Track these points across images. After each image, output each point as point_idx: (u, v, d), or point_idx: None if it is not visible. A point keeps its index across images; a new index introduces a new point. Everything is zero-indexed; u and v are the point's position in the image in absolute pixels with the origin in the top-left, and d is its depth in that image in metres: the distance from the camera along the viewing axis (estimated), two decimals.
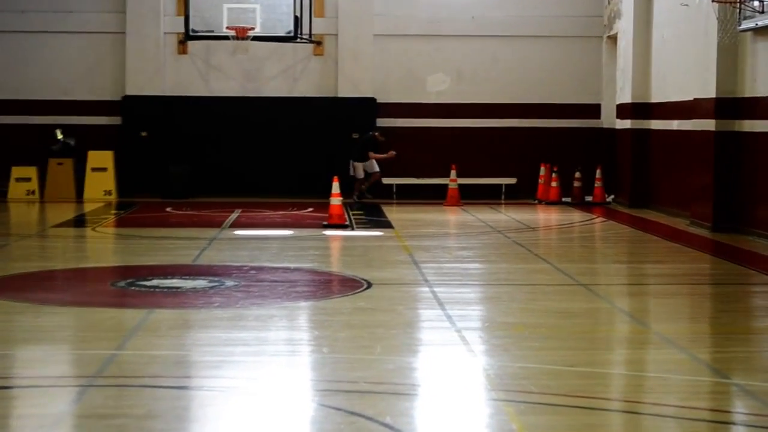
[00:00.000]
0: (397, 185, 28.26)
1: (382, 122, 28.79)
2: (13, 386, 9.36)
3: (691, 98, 22.63)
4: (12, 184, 27.07)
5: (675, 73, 24.44)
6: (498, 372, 9.68)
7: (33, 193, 27.09)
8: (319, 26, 28.79)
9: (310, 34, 28.33)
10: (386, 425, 7.82)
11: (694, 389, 9.17)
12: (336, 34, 28.95)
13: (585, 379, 9.49)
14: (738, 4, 20.30)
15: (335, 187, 22.45)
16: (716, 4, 20.98)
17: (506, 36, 29.25)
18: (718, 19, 21.13)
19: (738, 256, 17.91)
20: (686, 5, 23.33)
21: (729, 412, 8.57)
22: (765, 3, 19.17)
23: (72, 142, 27.58)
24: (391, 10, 29.07)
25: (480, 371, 9.77)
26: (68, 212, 24.56)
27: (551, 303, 13.59)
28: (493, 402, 8.64)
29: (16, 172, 27.16)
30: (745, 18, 20.10)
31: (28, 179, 27.18)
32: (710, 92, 21.46)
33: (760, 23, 19.43)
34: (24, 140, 27.87)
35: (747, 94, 20.69)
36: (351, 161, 27.03)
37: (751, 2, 19.76)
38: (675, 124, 24.19)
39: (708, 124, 21.56)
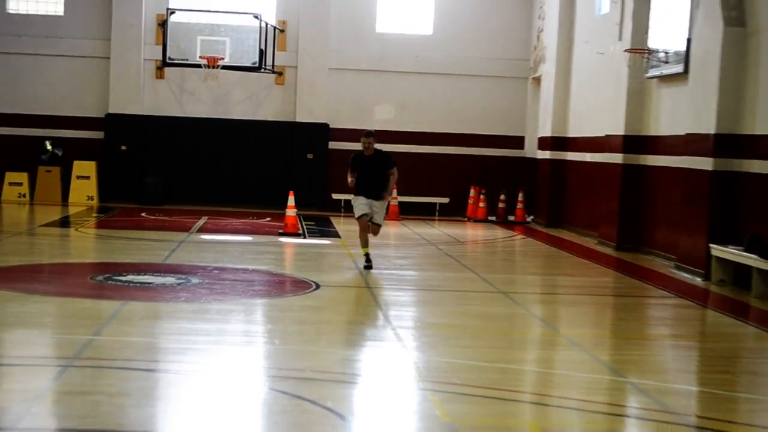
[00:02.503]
0: (345, 200, 28.25)
1: (334, 145, 28.80)
2: (4, 365, 9.38)
3: (603, 134, 22.84)
4: (5, 187, 26.97)
5: (589, 112, 24.62)
6: (426, 365, 9.78)
7: (24, 196, 26.99)
8: (281, 59, 28.72)
9: (273, 66, 28.28)
10: (327, 408, 7.89)
11: (595, 386, 9.28)
12: (295, 66, 28.93)
13: (501, 374, 9.59)
14: (646, 54, 20.55)
15: (291, 200, 22.51)
16: (627, 54, 21.24)
17: (444, 74, 29.33)
18: (628, 66, 21.37)
19: (637, 272, 18.07)
20: (602, 53, 23.55)
21: (623, 406, 8.71)
22: (669, 54, 19.40)
23: (60, 153, 27.49)
24: (344, 46, 29.09)
25: (411, 364, 9.86)
26: (54, 214, 24.42)
27: (475, 307, 13.71)
28: (421, 391, 8.73)
29: (9, 177, 27.06)
30: (652, 67, 20.33)
31: (20, 184, 27.09)
32: (619, 130, 21.66)
33: (665, 72, 19.66)
34: (17, 149, 27.67)
35: (651, 133, 20.91)
36: (370, 200, 17.08)
37: (658, 53, 19.99)
38: (588, 157, 24.38)
39: (616, 158, 21.75)
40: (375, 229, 17.28)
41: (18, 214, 24.32)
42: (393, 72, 29.33)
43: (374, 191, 17.19)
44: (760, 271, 15.25)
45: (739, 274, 16.10)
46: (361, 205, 17.01)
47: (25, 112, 28.34)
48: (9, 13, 28.53)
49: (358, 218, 16.99)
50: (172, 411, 8.08)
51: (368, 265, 16.69)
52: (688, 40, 18.60)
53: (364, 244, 16.97)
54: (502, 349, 11.05)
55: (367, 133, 17.94)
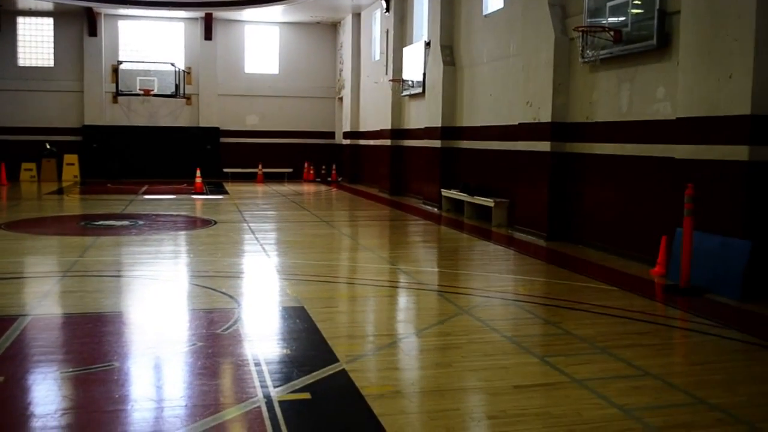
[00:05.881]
0: (232, 173, 27.80)
1: (224, 140, 28.37)
2: (23, 277, 8.88)
3: (379, 129, 22.98)
4: (22, 172, 25.60)
5: (371, 116, 24.76)
6: (282, 265, 9.69)
7: (34, 177, 25.60)
8: (189, 89, 27.87)
9: (184, 94, 27.59)
10: (223, 293, 7.75)
11: (380, 271, 9.34)
12: (198, 94, 28.12)
13: (325, 268, 9.57)
14: (401, 83, 20.71)
15: (198, 173, 22.23)
16: (391, 82, 21.37)
17: (286, 96, 28.95)
18: (392, 90, 21.52)
19: (401, 207, 18.31)
20: (377, 82, 23.64)
21: (396, 281, 8.80)
22: (414, 82, 19.60)
23: (55, 150, 26.19)
24: (226, 81, 28.39)
25: (273, 265, 9.75)
26: (53, 187, 23.26)
27: (308, 230, 13.59)
28: (280, 280, 8.65)
29: (24, 165, 25.65)
30: (405, 89, 20.52)
31: (31, 170, 25.68)
32: (388, 125, 21.85)
33: (412, 92, 19.86)
34: (29, 149, 26.21)
35: (405, 127, 21.16)
36: None
37: (408, 82, 20.17)
38: (372, 142, 24.54)
39: (387, 142, 21.94)
40: None
41: (30, 188, 23.04)
42: (256, 96, 28.80)
43: None
44: (467, 203, 15.64)
45: (457, 205, 16.48)
46: None
47: (33, 126, 26.84)
48: (19, 66, 26.89)
49: None
50: (130, 300, 7.81)
51: None
52: (424, 74, 18.83)
53: None
54: (325, 253, 11.03)
55: None
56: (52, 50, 27.24)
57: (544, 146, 12.36)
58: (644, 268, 9.55)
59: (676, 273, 8.50)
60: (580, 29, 11.19)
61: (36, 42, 27.24)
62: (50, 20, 27.13)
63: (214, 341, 5.92)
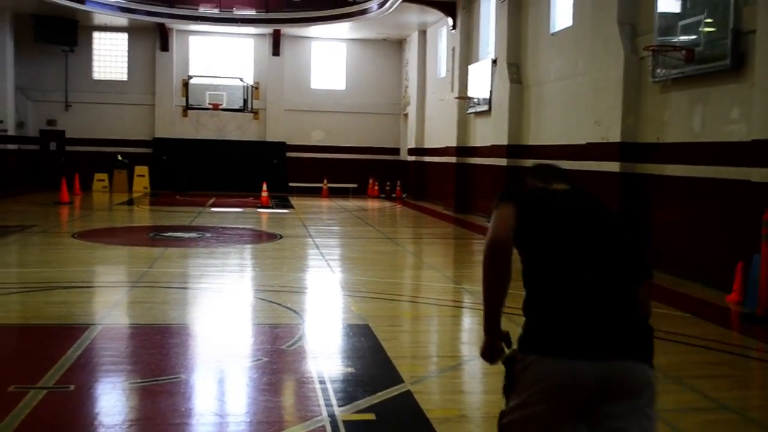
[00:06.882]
0: (297, 187, 28.06)
1: (289, 155, 28.72)
2: (93, 286, 9.08)
3: (444, 146, 22.90)
4: (95, 182, 26.27)
5: (437, 133, 24.68)
6: (346, 281, 9.68)
7: (106, 187, 26.24)
8: (257, 104, 28.33)
9: (252, 108, 28.05)
10: (288, 308, 7.76)
11: (444, 290, 9.27)
12: (265, 109, 28.56)
13: (389, 285, 9.52)
14: (467, 100, 20.62)
15: (264, 187, 22.64)
16: (456, 100, 21.30)
17: (352, 112, 29.18)
18: (457, 107, 21.44)
19: (466, 225, 18.16)
20: (442, 99, 23.58)
21: (460, 301, 8.71)
22: (480, 99, 19.48)
23: (126, 161, 26.81)
24: (293, 96, 28.76)
25: (337, 281, 9.75)
26: (124, 197, 23.80)
27: (372, 247, 13.60)
28: (344, 296, 8.63)
29: (97, 176, 26.31)
30: (471, 107, 20.42)
31: (103, 180, 26.35)
32: (454, 143, 21.75)
33: (478, 109, 19.75)
34: (102, 160, 26.88)
35: (471, 144, 21.02)
36: None
37: (474, 99, 20.07)
38: (436, 159, 24.46)
39: (452, 159, 21.83)
40: None
41: (102, 198, 23.67)
42: (322, 111, 29.07)
43: (615, 333, 2.35)
44: None
45: None
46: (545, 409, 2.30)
47: (106, 137, 27.63)
48: (94, 79, 27.79)
49: None
50: (197, 312, 7.91)
51: None
52: (490, 92, 18.70)
53: None
54: (389, 270, 10.99)
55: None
56: (125, 64, 28.04)
57: (612, 166, 12.11)
58: (719, 294, 9.21)
59: (754, 300, 8.17)
60: (651, 48, 10.94)
61: (110, 56, 28.10)
62: (124, 35, 27.95)
63: (279, 357, 5.92)
